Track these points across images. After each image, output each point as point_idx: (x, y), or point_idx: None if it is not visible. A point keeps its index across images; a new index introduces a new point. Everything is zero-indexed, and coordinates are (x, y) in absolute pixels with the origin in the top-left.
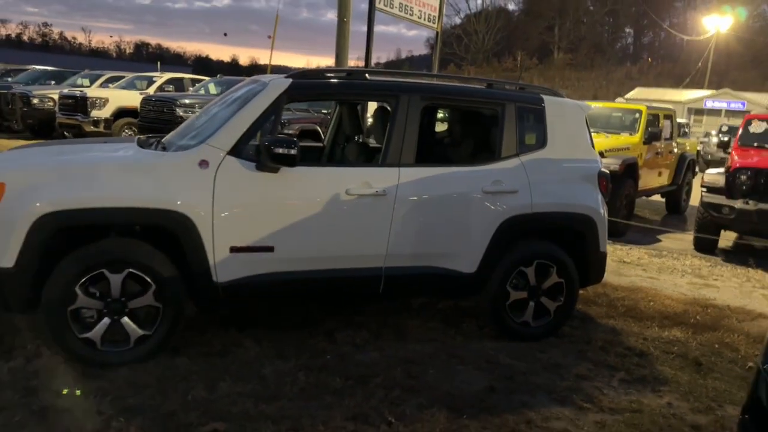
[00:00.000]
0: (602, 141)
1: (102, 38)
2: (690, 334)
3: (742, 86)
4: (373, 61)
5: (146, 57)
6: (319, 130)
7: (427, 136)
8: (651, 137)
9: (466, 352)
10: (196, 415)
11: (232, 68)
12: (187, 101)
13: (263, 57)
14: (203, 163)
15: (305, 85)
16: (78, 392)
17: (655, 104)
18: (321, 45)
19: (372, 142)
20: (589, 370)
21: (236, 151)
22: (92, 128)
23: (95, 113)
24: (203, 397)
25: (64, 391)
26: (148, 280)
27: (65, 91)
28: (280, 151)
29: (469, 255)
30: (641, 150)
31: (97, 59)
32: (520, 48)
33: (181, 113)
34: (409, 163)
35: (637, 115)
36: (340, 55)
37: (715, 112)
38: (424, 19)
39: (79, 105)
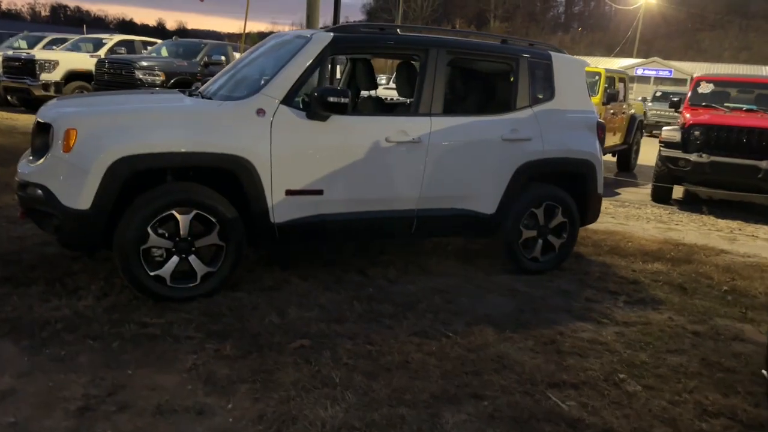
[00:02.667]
0: None
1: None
2: (670, 266)
3: (668, 55)
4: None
5: (64, 20)
6: None
7: (451, 88)
8: (609, 98)
9: (488, 283)
10: (279, 335)
11: (158, 32)
12: (145, 63)
13: (191, 21)
14: (260, 112)
15: (346, 39)
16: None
17: None
18: (253, 10)
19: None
20: (595, 295)
21: (288, 100)
22: (42, 92)
23: (45, 76)
24: (278, 322)
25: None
26: (213, 220)
27: (9, 53)
28: (333, 99)
29: (489, 197)
30: (601, 110)
31: (9, 21)
32: (457, 16)
33: (140, 76)
34: (437, 113)
35: (597, 77)
36: (311, 16)
37: (644, 80)
38: None
39: (27, 68)
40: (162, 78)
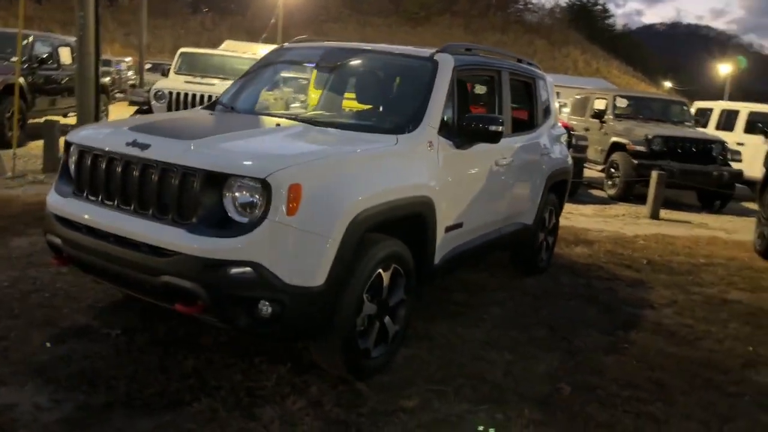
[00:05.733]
0: None
1: None
2: (588, 248)
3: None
4: None
5: None
6: (24, 84)
7: (510, 109)
8: None
9: (539, 290)
10: (531, 385)
11: None
12: None
13: None
14: (431, 145)
15: (464, 62)
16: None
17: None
18: None
19: None
20: (605, 285)
21: (441, 130)
22: None
23: None
24: (504, 373)
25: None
26: (403, 273)
27: None
28: (494, 128)
29: (532, 209)
30: None
31: None
32: None
33: None
34: (509, 134)
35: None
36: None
37: None
38: None
39: None
40: None
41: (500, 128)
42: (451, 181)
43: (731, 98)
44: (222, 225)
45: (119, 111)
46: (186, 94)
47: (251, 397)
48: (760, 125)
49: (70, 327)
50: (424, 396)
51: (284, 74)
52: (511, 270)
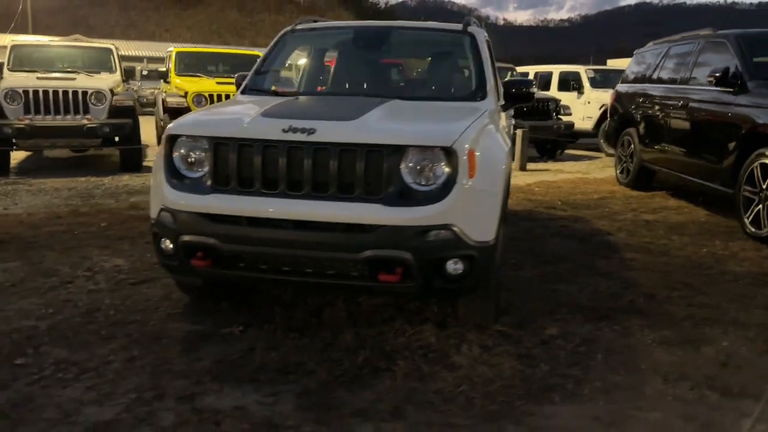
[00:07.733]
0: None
1: None
2: (517, 199)
3: (60, 31)
4: None
5: None
6: None
7: None
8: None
9: (515, 234)
10: (613, 300)
11: None
12: None
13: None
14: (498, 108)
15: (484, 34)
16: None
17: None
18: None
19: None
20: (557, 224)
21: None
22: None
23: None
24: (583, 300)
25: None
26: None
27: None
28: (532, 91)
29: None
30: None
31: None
32: None
33: None
34: None
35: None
36: None
37: None
38: None
39: None
40: None
41: (534, 89)
42: (504, 137)
43: None
44: (407, 194)
45: None
46: (46, 92)
47: (433, 353)
48: (572, 83)
49: (184, 336)
50: (555, 325)
51: (325, 56)
52: None
